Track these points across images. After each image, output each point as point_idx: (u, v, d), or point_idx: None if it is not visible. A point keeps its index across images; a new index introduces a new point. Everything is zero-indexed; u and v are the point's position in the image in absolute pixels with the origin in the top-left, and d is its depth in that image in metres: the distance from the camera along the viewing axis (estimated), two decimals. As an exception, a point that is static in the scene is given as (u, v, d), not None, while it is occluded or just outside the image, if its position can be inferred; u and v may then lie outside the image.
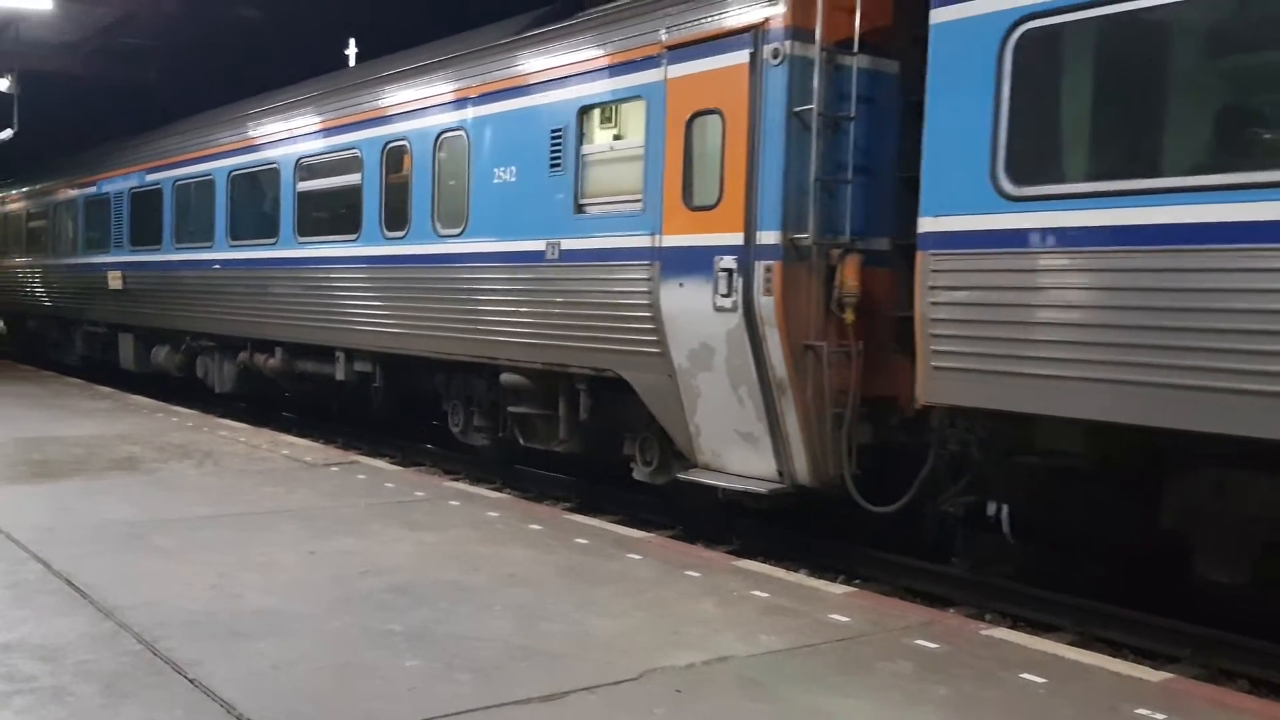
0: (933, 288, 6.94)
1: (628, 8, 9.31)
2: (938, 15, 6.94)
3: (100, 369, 20.86)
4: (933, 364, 6.95)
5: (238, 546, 7.30)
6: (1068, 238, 6.30)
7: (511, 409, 10.50)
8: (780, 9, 7.87)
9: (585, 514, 9.49)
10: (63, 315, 22.27)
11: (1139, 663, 5.94)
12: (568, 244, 9.61)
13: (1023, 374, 6.48)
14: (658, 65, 8.82)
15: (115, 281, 18.98)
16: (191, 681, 4.78)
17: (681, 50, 8.63)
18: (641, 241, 8.90)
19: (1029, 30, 6.47)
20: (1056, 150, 6.62)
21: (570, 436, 10.07)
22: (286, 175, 13.86)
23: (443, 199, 11.14)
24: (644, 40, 8.97)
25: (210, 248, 15.78)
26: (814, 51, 7.75)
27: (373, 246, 12.15)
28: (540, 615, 5.93)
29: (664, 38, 8.77)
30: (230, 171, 15.25)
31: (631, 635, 5.64)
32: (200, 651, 5.15)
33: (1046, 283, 6.41)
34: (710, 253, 8.32)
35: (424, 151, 11.34)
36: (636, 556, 7.39)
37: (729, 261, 8.16)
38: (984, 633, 5.99)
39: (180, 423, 13.99)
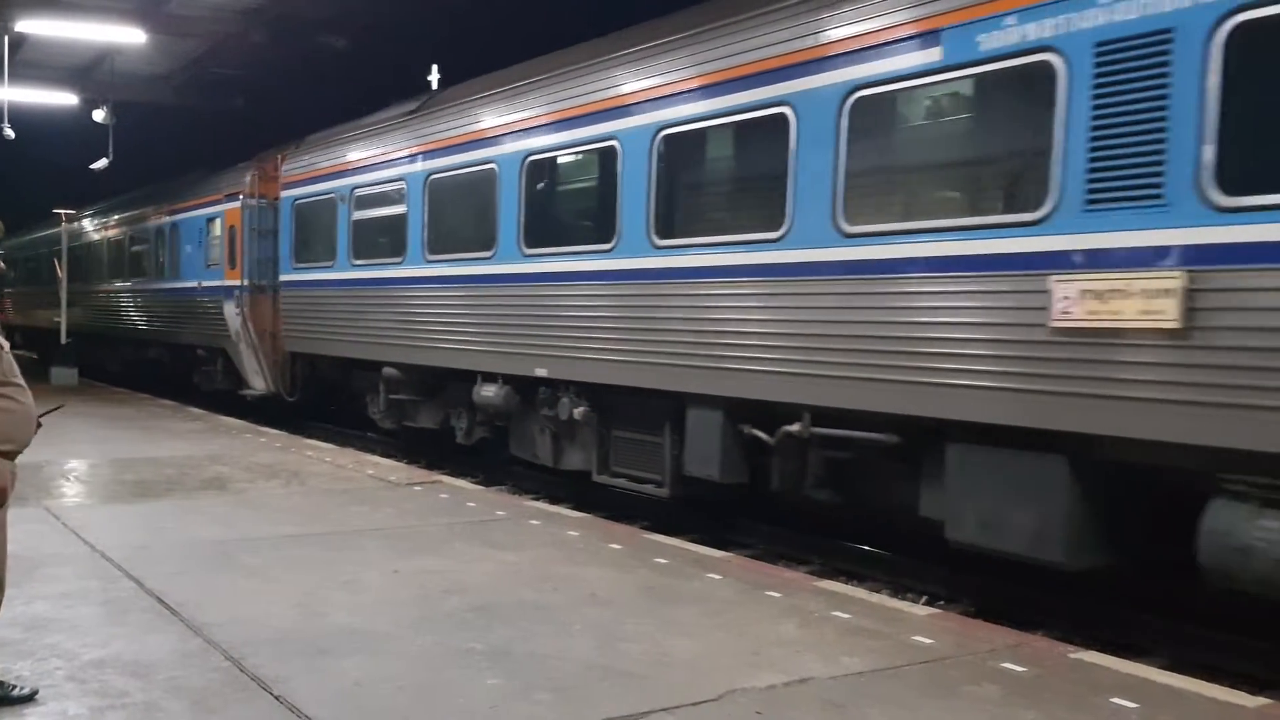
0: (285, 304, 16.90)
1: (222, 175, 19.56)
2: (283, 192, 16.97)
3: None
4: (285, 334, 17.03)
5: (323, 565, 7.42)
6: (303, 285, 16.29)
7: (202, 368, 20.65)
8: (246, 185, 18.14)
9: (664, 533, 9.48)
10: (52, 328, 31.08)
11: (1235, 687, 5.74)
12: (204, 283, 19.85)
13: (308, 338, 16.26)
14: (223, 203, 19.09)
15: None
16: (277, 698, 4.86)
17: (227, 196, 18.86)
18: (220, 282, 18.99)
19: (298, 205, 16.43)
20: (308, 249, 16.16)
21: (222, 380, 19.72)
22: (127, 241, 25.47)
23: (171, 258, 21.95)
24: (221, 190, 19.35)
25: (108, 282, 27.04)
26: (255, 202, 17.98)
27: (156, 284, 22.98)
28: (620, 635, 5.92)
29: (225, 190, 19.11)
30: (126, 235, 25.60)
31: (712, 656, 5.61)
32: (286, 669, 5.23)
33: (307, 302, 16.07)
34: (234, 289, 18.34)
35: (169, 231, 22.08)
36: (716, 576, 7.35)
37: (238, 292, 18.15)
38: (1073, 656, 5.83)
39: (268, 443, 14.27)
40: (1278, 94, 5.83)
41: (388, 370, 14.11)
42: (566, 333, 10.65)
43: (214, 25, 20.37)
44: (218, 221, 19.19)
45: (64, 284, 26.58)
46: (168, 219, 22.07)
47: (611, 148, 10.16)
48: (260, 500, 9.99)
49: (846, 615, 6.42)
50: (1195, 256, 5.94)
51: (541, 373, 11.00)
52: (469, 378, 12.41)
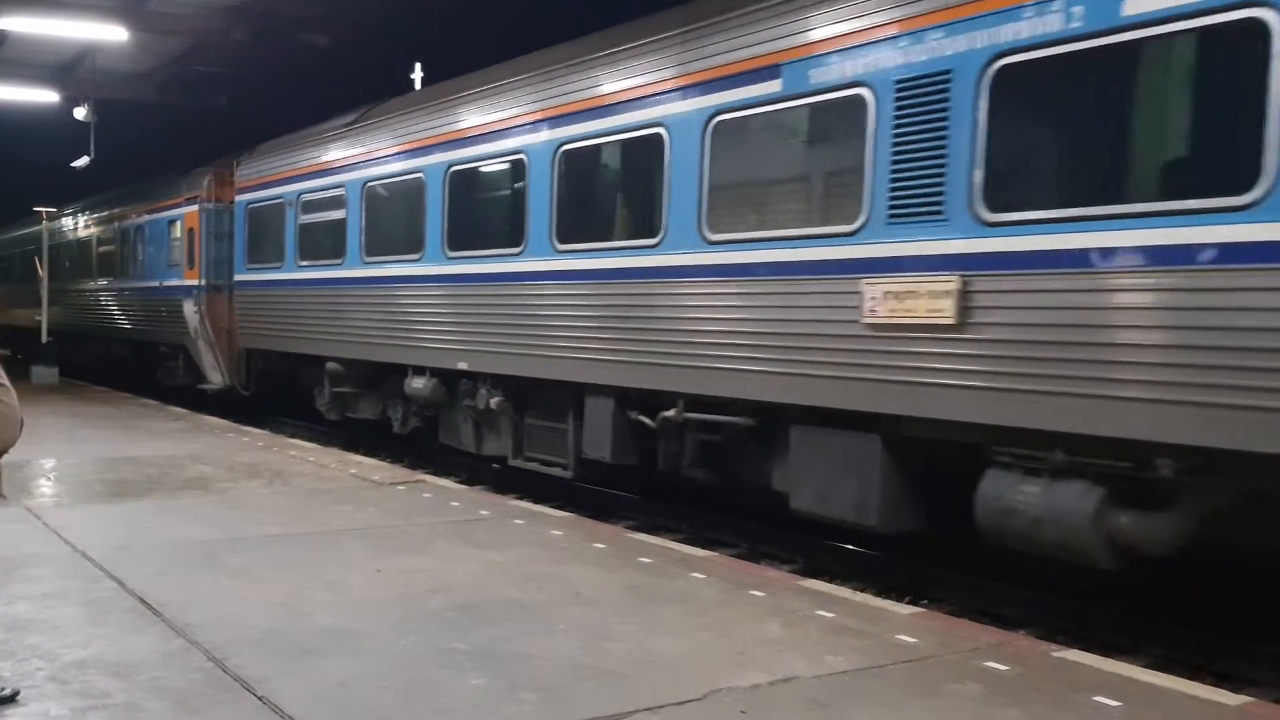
0: (239, 303, 18.04)
1: (183, 179, 20.59)
2: (238, 196, 18.00)
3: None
4: (240, 331, 18.05)
5: (306, 565, 7.39)
6: (255, 285, 17.31)
7: (164, 365, 21.65)
8: (204, 189, 19.35)
9: (649, 533, 9.48)
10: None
11: (1217, 686, 5.78)
12: (165, 283, 20.99)
13: (260, 334, 17.32)
14: (183, 206, 20.25)
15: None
16: (260, 699, 4.84)
17: (187, 200, 20.05)
18: (180, 282, 20.12)
19: (250, 209, 17.44)
20: (259, 250, 17.13)
21: (184, 376, 20.64)
22: (94, 242, 26.76)
23: (137, 259, 23.10)
24: (181, 194, 20.41)
25: (80, 281, 27.85)
26: (212, 206, 19.25)
27: (123, 283, 24.12)
28: (604, 634, 5.92)
29: (184, 194, 20.22)
30: (96, 235, 26.82)
31: (696, 655, 5.61)
32: (269, 669, 5.21)
33: (259, 301, 17.19)
34: (193, 288, 19.57)
35: (134, 232, 23.31)
36: (700, 576, 7.36)
37: (196, 292, 19.40)
38: (1056, 654, 5.86)
39: (251, 443, 14.22)
40: (1032, 126, 6.86)
41: (331, 365, 15.22)
42: (483, 329, 11.76)
43: (196, 23, 20.26)
44: (178, 224, 20.49)
45: (45, 283, 26.43)
46: (134, 220, 23.33)
47: (521, 160, 11.19)
48: (243, 500, 9.94)
49: (830, 614, 6.44)
50: (968, 263, 6.95)
51: (463, 366, 12.16)
52: (403, 371, 13.49)
